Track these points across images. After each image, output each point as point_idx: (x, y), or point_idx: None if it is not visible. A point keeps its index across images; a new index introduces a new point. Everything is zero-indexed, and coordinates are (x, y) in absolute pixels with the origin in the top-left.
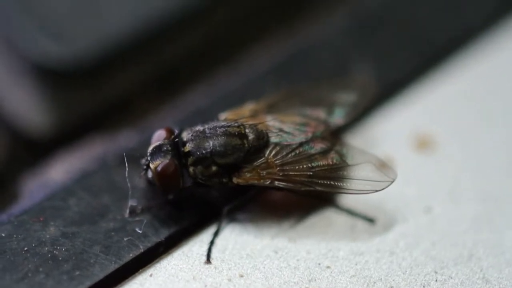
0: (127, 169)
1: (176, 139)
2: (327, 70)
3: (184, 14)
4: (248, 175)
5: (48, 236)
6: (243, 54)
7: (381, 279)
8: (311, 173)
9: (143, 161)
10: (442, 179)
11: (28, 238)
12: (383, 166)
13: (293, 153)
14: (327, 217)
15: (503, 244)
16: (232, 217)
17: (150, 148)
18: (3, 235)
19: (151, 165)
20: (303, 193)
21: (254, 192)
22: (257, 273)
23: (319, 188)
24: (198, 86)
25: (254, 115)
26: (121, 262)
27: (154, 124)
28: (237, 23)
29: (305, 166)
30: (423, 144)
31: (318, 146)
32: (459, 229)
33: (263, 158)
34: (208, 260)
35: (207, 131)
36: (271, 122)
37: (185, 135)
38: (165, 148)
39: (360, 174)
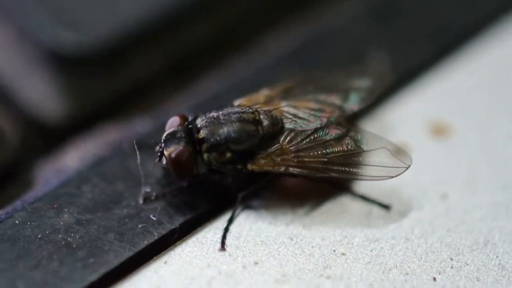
0: (138, 156)
1: (190, 126)
2: (342, 56)
3: (199, 1)
4: (262, 161)
5: (62, 223)
6: (258, 40)
7: (396, 266)
8: (326, 159)
9: (157, 148)
10: (458, 166)
11: (42, 225)
12: (399, 152)
13: (307, 139)
14: (342, 203)
15: None
16: (246, 204)
17: (164, 135)
18: (17, 222)
19: (165, 152)
20: (318, 179)
21: (269, 178)
22: (271, 260)
23: (334, 175)
24: (212, 73)
25: (268, 101)
26: (136, 249)
27: (169, 110)
28: (253, 10)
29: (320, 152)
30: (439, 131)
31: (333, 132)
32: (474, 216)
33: (277, 145)
34: (223, 247)
35: (222, 117)
36: (286, 108)
37: (199, 122)
38: (179, 135)
39: (375, 160)
